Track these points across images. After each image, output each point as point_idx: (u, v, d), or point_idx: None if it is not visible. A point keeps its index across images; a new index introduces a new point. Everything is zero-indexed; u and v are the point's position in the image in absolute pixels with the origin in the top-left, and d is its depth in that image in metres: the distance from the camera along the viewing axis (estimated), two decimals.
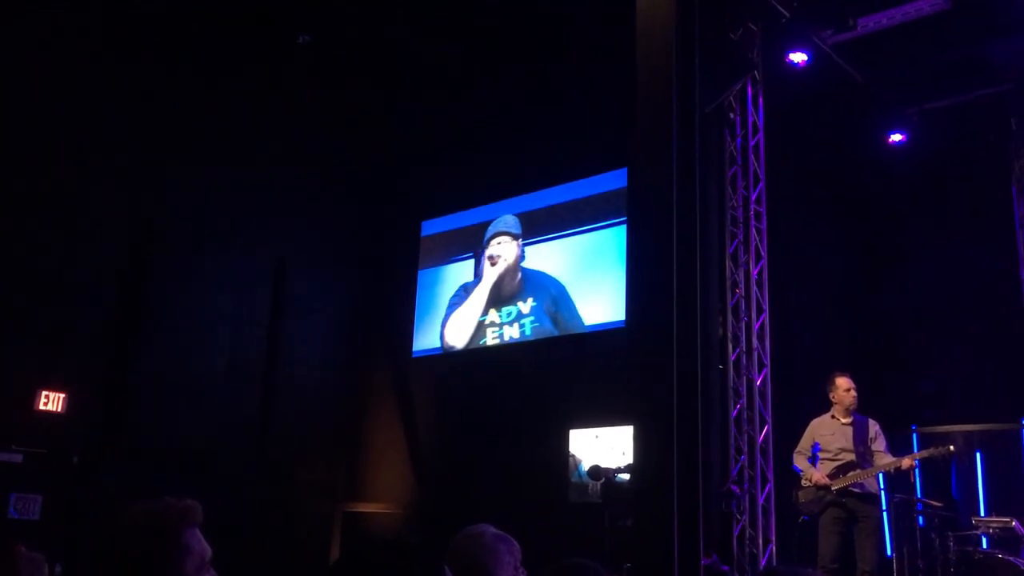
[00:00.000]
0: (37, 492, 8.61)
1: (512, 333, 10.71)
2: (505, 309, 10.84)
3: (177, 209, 10.11)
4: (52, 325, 9.02)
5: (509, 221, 11.16)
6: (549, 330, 10.43)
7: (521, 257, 10.92)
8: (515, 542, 2.66)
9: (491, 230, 11.31)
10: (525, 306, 10.67)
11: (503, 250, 11.09)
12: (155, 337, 9.83)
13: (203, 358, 10.24)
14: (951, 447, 7.20)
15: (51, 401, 8.92)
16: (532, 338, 10.52)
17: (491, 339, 10.91)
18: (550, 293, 10.49)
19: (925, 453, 7.34)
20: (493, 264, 11.08)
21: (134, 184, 9.80)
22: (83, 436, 9.11)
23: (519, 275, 10.88)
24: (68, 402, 9.00)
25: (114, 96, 9.63)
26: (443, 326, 11.40)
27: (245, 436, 10.34)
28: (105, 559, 1.85)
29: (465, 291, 11.34)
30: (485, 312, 11.03)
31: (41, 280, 9.01)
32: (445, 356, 11.33)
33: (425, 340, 11.62)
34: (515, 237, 11.05)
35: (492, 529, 2.67)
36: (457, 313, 11.30)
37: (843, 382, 7.45)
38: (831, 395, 7.50)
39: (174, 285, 10.06)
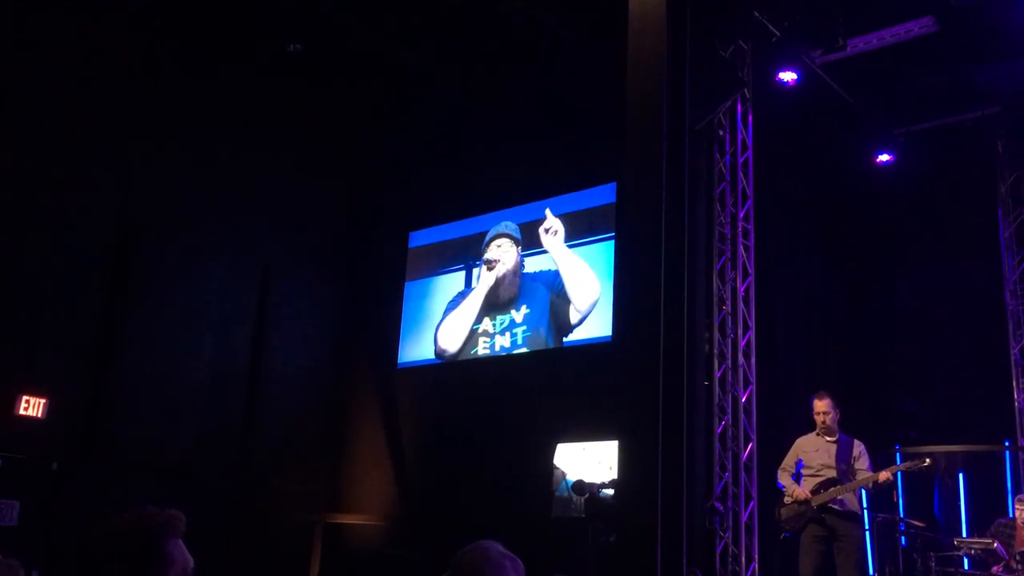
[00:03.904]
0: (15, 498, 8.52)
1: (503, 342, 10.65)
2: (499, 318, 10.76)
3: (162, 214, 10.06)
4: (34, 329, 8.95)
5: (511, 225, 11.05)
6: (543, 338, 10.34)
7: (521, 264, 10.86)
8: (520, 562, 2.65)
9: (492, 233, 11.16)
10: (519, 315, 10.60)
11: (502, 254, 10.94)
12: (138, 343, 9.77)
13: (186, 365, 10.17)
14: (927, 460, 7.24)
15: (31, 406, 8.83)
16: (524, 347, 10.46)
17: (482, 348, 10.84)
18: (547, 289, 10.42)
19: (902, 466, 7.40)
20: (490, 269, 10.91)
21: (119, 188, 9.75)
22: (63, 442, 9.03)
23: (518, 281, 10.77)
24: (49, 407, 8.91)
25: (100, 99, 9.57)
26: (437, 330, 11.31)
27: (227, 444, 10.28)
28: (87, 568, 1.83)
29: (462, 297, 11.26)
30: (479, 319, 10.92)
31: (24, 283, 8.94)
32: (430, 368, 11.29)
33: (411, 352, 11.59)
34: (516, 242, 10.94)
35: (500, 547, 2.67)
36: (451, 317, 11.21)
37: (816, 404, 7.46)
38: (812, 415, 7.53)
39: (158, 290, 10.01)
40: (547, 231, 10.48)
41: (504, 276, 10.87)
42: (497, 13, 9.16)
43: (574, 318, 10.14)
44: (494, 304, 10.86)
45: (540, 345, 10.36)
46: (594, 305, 9.99)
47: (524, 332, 10.48)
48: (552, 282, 10.45)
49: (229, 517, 9.82)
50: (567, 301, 10.20)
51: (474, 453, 10.26)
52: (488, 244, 11.14)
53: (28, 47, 9.15)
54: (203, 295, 10.42)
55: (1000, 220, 9.83)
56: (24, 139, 9.09)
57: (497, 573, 2.56)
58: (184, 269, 10.25)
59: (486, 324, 10.86)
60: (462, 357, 11.02)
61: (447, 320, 11.25)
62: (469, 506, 9.82)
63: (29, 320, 8.92)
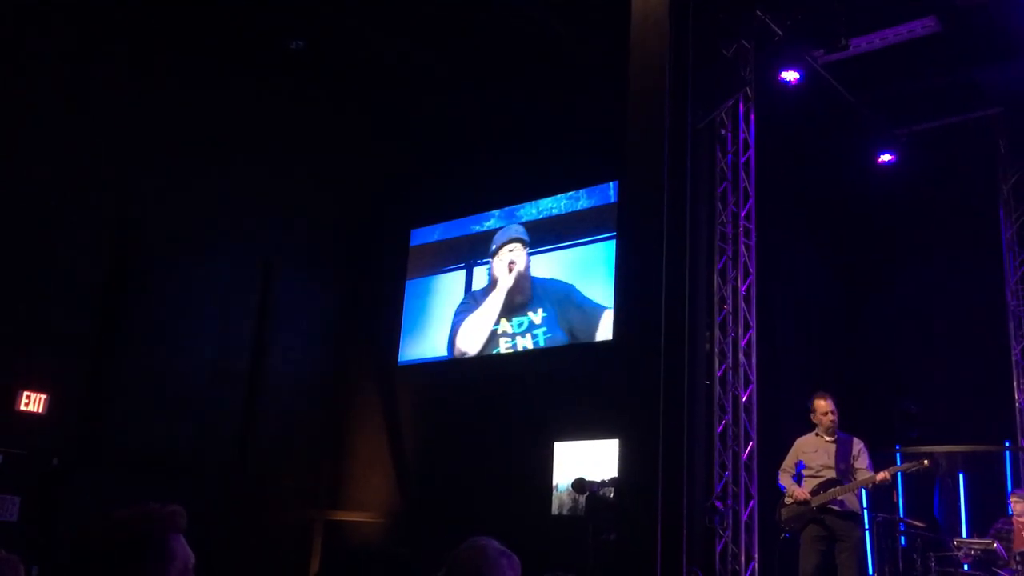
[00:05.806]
0: (16, 493, 8.53)
1: (525, 343, 10.64)
2: (516, 319, 10.79)
3: (164, 211, 10.05)
4: (35, 325, 8.95)
5: (520, 229, 11.11)
6: (561, 340, 10.35)
7: (528, 267, 10.91)
8: (517, 559, 2.64)
9: (503, 236, 11.20)
10: (536, 316, 10.61)
11: (517, 256, 11.02)
12: (139, 340, 9.77)
13: (187, 362, 10.17)
14: (925, 461, 7.25)
15: (32, 402, 8.84)
16: (545, 348, 10.46)
17: (504, 348, 10.82)
18: (559, 300, 10.46)
19: (901, 467, 7.40)
20: (511, 271, 10.98)
21: (120, 185, 9.74)
22: (64, 438, 9.03)
23: (529, 284, 10.84)
24: (49, 403, 8.92)
25: (101, 96, 9.57)
26: (454, 333, 11.27)
27: (227, 441, 10.28)
28: (88, 563, 1.83)
29: (474, 299, 11.24)
30: (498, 321, 10.94)
31: (25, 280, 8.94)
32: (430, 365, 11.30)
33: (412, 350, 11.58)
34: (525, 244, 11.01)
35: (496, 543, 2.67)
36: (470, 320, 11.18)
37: (820, 404, 7.46)
38: (812, 416, 7.52)
39: (160, 287, 10.00)
40: None
41: (519, 279, 10.94)
42: (499, 11, 9.16)
43: (593, 325, 10.15)
44: (510, 306, 10.91)
45: (559, 345, 10.35)
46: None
47: (545, 334, 10.51)
48: (563, 292, 10.48)
49: (229, 514, 9.82)
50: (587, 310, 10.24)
51: (474, 450, 10.27)
52: (501, 247, 11.17)
53: (29, 46, 9.14)
54: (204, 292, 10.41)
55: (1002, 220, 9.83)
56: (24, 138, 9.09)
57: (494, 571, 2.55)
58: (185, 266, 10.24)
59: (504, 325, 10.89)
60: (483, 356, 11.02)
61: (465, 323, 11.21)
62: (468, 503, 9.82)
63: (30, 316, 8.92)
